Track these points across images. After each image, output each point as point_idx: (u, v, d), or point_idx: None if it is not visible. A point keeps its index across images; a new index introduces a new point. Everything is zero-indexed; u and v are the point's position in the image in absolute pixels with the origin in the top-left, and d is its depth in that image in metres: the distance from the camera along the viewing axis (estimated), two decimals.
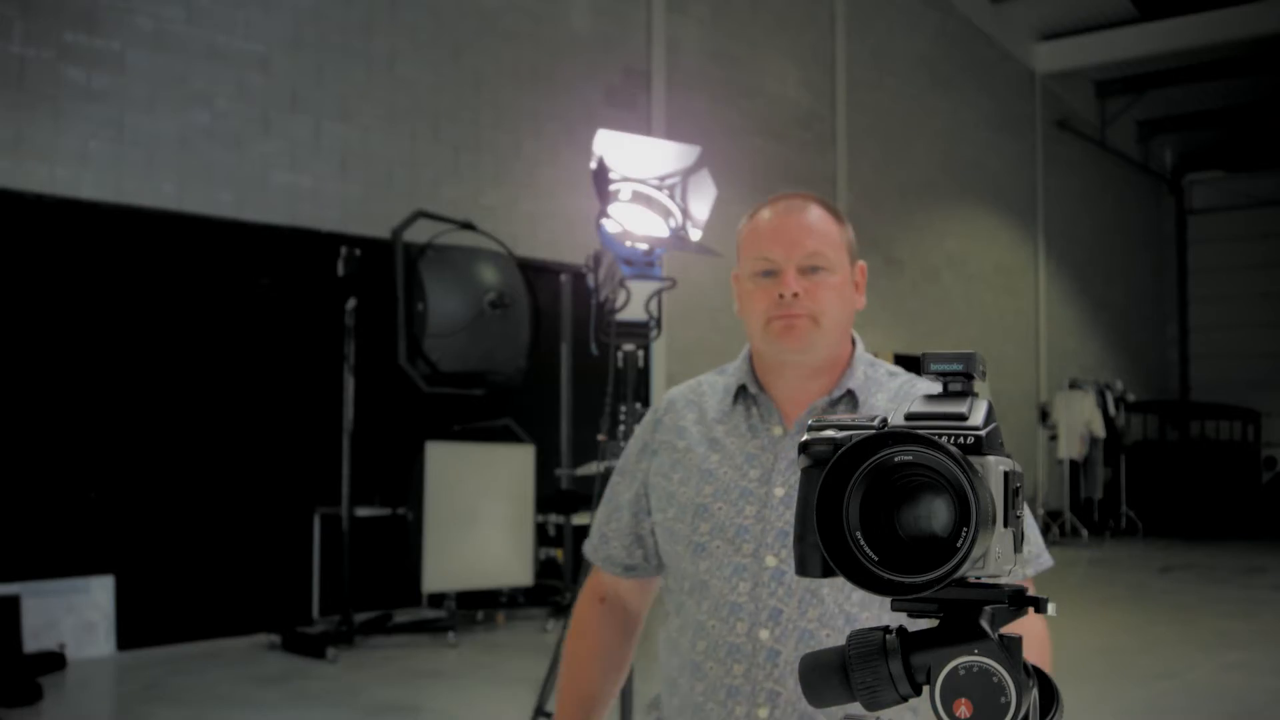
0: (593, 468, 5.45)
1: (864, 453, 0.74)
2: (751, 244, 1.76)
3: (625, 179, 4.50)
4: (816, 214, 1.74)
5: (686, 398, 1.86)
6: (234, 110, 6.98)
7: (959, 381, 0.79)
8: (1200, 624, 7.89)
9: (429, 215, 6.96)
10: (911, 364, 1.47)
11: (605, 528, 1.85)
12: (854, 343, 1.81)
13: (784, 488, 1.66)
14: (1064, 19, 14.68)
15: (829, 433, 0.83)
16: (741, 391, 1.77)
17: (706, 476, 1.72)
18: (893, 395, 1.73)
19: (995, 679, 0.73)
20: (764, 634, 1.63)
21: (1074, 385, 13.97)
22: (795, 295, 1.67)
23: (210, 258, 6.78)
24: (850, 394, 1.73)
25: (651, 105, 9.52)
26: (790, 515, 1.62)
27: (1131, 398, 15.10)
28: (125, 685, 5.76)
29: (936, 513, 0.74)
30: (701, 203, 4.64)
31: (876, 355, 1.87)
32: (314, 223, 7.28)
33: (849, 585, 0.76)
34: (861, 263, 1.81)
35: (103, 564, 6.21)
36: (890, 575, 0.73)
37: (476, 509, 7.02)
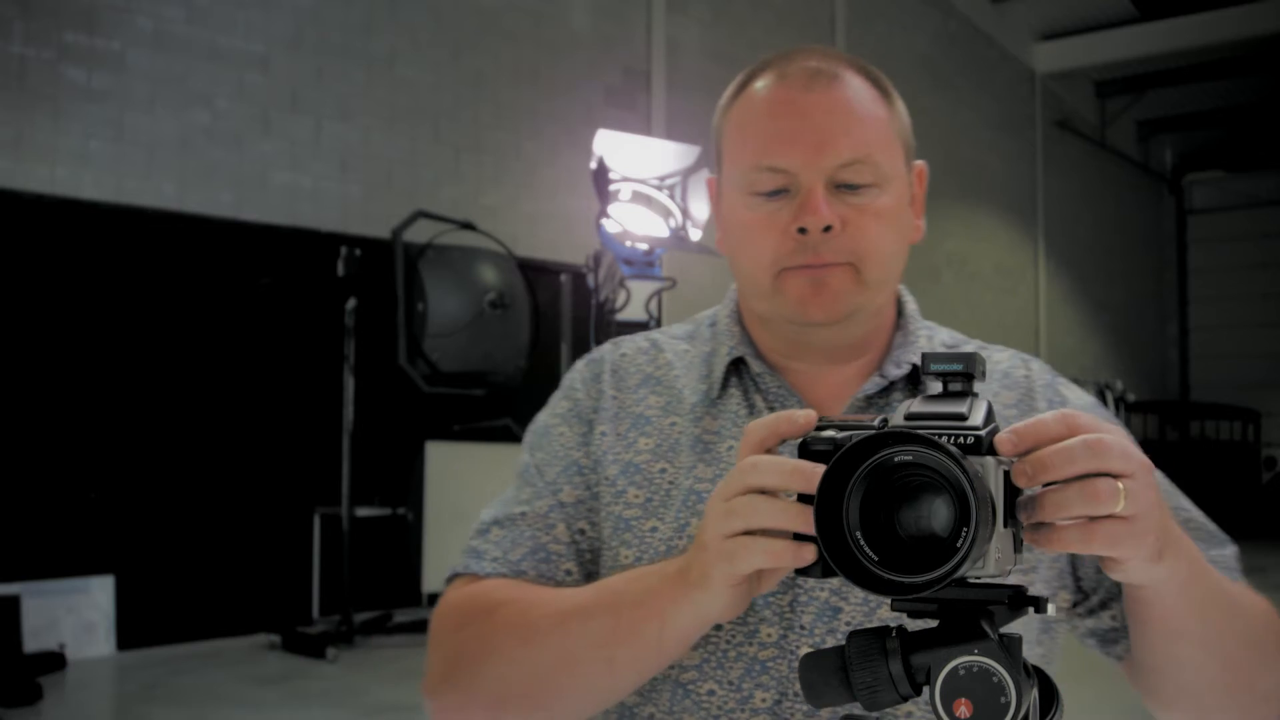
0: None
1: (864, 453, 0.74)
2: (746, 138, 1.09)
3: (625, 179, 4.51)
4: (857, 87, 1.08)
5: (639, 366, 1.18)
6: (234, 110, 6.98)
7: (959, 381, 0.79)
8: None
9: (429, 215, 6.96)
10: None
11: (497, 547, 1.15)
12: (899, 297, 1.19)
13: None
14: (1064, 19, 14.68)
15: (829, 433, 0.83)
16: (737, 368, 1.14)
17: (694, 504, 1.07)
18: None
19: (995, 679, 0.73)
20: None
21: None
22: (827, 230, 1.04)
23: (210, 258, 6.78)
24: (913, 377, 1.13)
25: (651, 105, 9.52)
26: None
27: (1131, 398, 15.10)
28: (125, 685, 5.76)
29: (936, 513, 0.74)
30: (702, 203, 4.65)
31: None
32: (314, 223, 7.29)
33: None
34: (920, 163, 1.18)
35: (103, 564, 6.21)
36: (890, 575, 0.73)
37: (476, 509, 6.99)
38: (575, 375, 1.21)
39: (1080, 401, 1.17)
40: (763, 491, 0.84)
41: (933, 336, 1.19)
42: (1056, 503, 0.77)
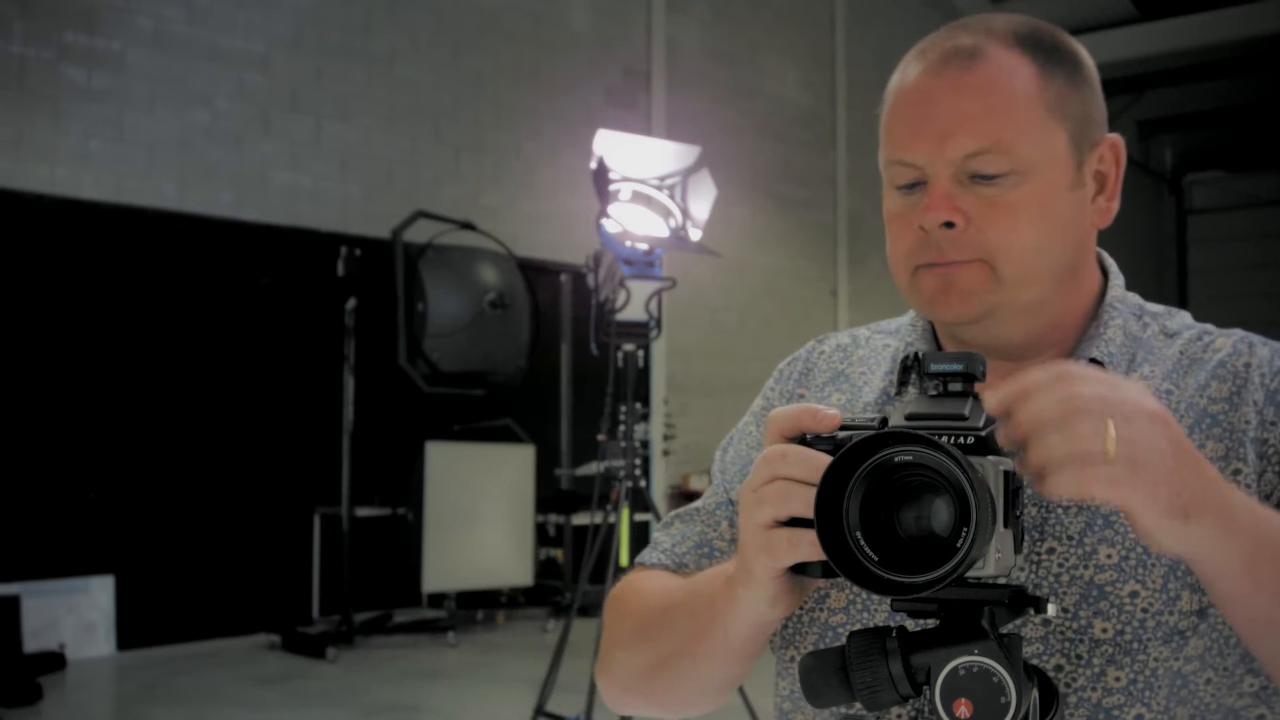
0: (593, 468, 5.45)
1: (864, 453, 0.74)
2: (886, 129, 1.05)
3: (625, 179, 4.50)
4: (1001, 63, 1.00)
5: (831, 363, 1.17)
6: (234, 110, 6.98)
7: (959, 382, 0.79)
8: None
9: (429, 215, 6.96)
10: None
11: (670, 539, 1.16)
12: (1105, 273, 1.10)
13: None
14: (1064, 19, 14.66)
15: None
16: (918, 363, 1.05)
17: None
18: (1173, 368, 1.04)
19: (995, 679, 0.73)
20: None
21: None
22: (950, 226, 0.98)
23: (210, 258, 6.78)
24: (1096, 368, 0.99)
25: (651, 105, 9.52)
26: None
27: None
28: (125, 685, 5.76)
29: (937, 513, 0.74)
30: (701, 203, 4.64)
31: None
32: (314, 223, 7.29)
33: None
34: (1113, 136, 1.05)
35: (103, 564, 6.21)
36: (890, 575, 0.73)
37: (476, 509, 7.02)
38: (775, 374, 1.21)
39: None
40: (790, 480, 0.82)
41: (1148, 325, 1.07)
42: (1041, 445, 0.74)
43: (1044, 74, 1.00)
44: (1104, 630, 0.95)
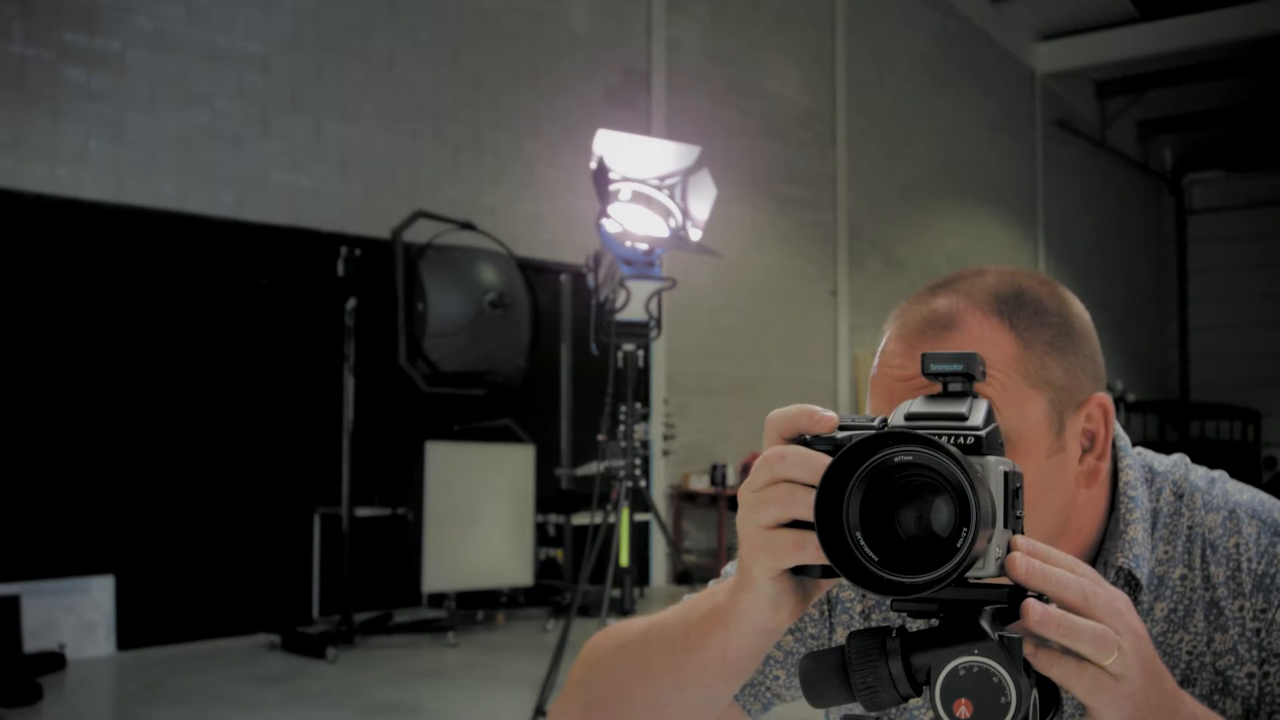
0: (593, 468, 5.45)
1: (864, 453, 0.74)
2: (872, 391, 1.05)
3: (625, 179, 4.50)
4: (972, 335, 0.99)
5: None
6: (234, 110, 6.98)
7: (959, 382, 0.79)
8: None
9: (429, 215, 6.96)
10: None
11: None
12: (1115, 460, 1.08)
13: None
14: (1064, 19, 14.67)
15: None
16: None
17: None
18: (1183, 549, 1.07)
19: (995, 679, 0.73)
20: None
21: None
22: None
23: (210, 258, 6.78)
24: (1130, 582, 1.05)
25: (651, 105, 9.52)
26: None
27: (1131, 398, 15.10)
28: (125, 685, 5.76)
29: (937, 513, 0.74)
30: (701, 203, 4.64)
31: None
32: (314, 223, 7.29)
33: None
34: (1101, 396, 1.03)
35: (103, 564, 6.21)
36: (890, 575, 0.73)
37: (476, 509, 7.02)
38: None
39: None
40: (793, 482, 0.82)
41: (1161, 490, 1.08)
42: (1069, 627, 0.76)
43: (1022, 341, 0.99)
44: None
